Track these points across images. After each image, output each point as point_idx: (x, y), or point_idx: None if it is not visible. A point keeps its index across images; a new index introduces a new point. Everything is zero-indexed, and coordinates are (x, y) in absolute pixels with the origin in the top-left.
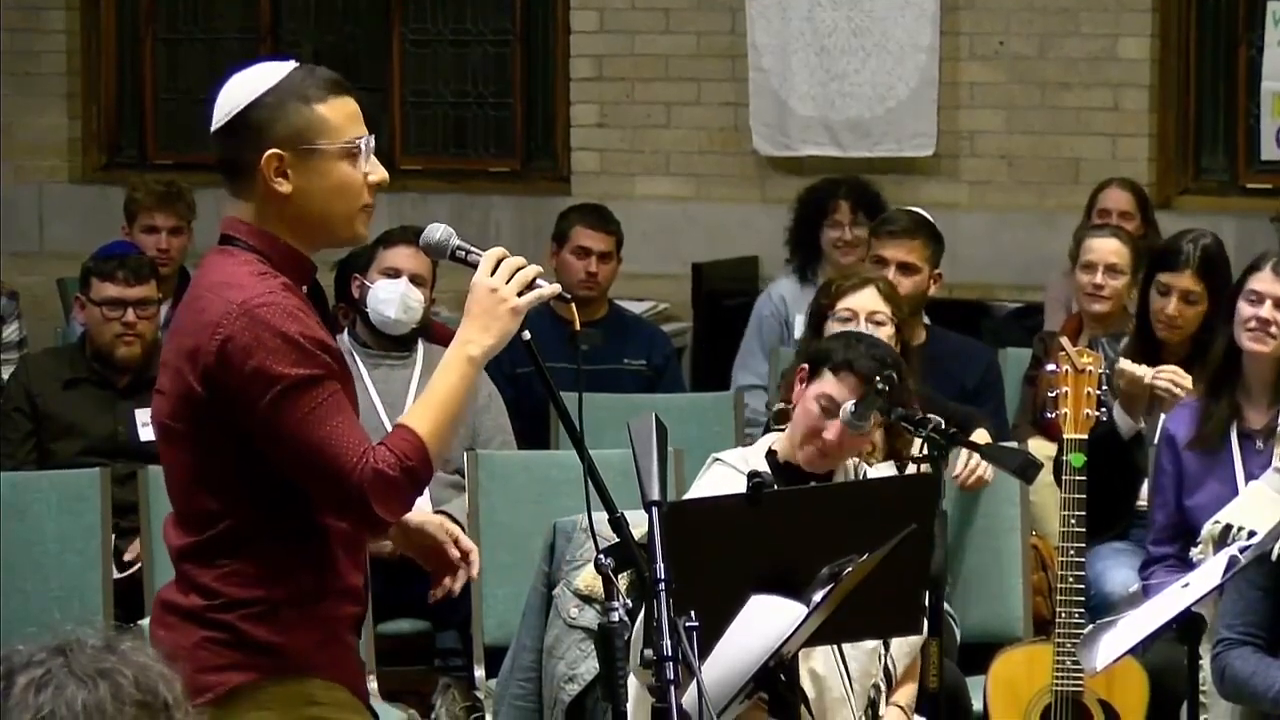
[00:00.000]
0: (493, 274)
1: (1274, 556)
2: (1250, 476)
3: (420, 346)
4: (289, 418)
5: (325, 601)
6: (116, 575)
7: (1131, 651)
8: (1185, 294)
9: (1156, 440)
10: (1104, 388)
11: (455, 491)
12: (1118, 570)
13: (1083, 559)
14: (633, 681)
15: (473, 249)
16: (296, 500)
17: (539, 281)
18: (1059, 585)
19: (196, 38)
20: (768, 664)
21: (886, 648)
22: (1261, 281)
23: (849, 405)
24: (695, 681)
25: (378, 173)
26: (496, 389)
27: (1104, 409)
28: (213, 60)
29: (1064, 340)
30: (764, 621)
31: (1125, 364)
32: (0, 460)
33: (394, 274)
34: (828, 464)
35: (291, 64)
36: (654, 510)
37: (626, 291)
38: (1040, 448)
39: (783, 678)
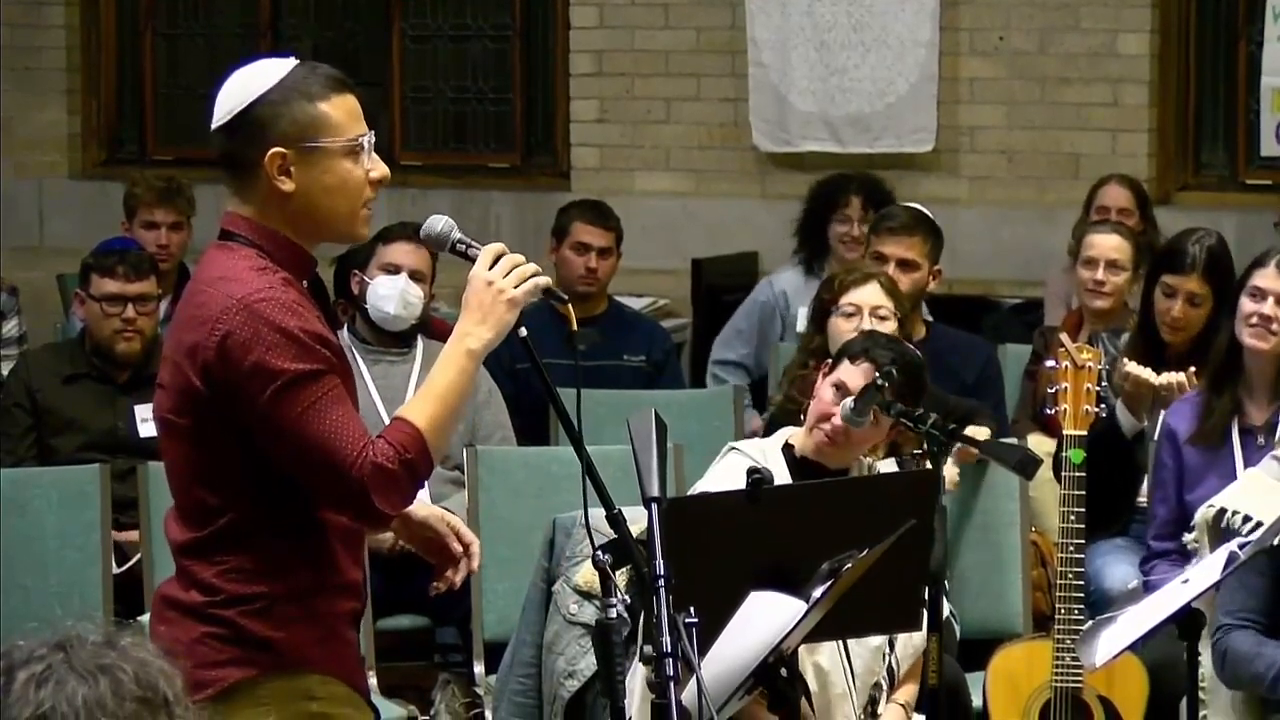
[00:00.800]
0: (490, 268)
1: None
2: None
3: (420, 342)
4: (288, 412)
5: (324, 597)
6: (116, 571)
7: (1131, 647)
8: (1190, 296)
9: (1157, 435)
10: (1104, 384)
11: (455, 487)
12: (1117, 566)
13: (1082, 555)
14: (635, 679)
15: (472, 243)
16: (296, 495)
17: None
18: (1058, 581)
19: (196, 33)
20: (767, 660)
21: (891, 647)
22: (1265, 278)
23: (848, 401)
24: (695, 678)
25: (379, 170)
26: (496, 385)
27: (1104, 405)
28: (213, 56)
29: (1064, 336)
30: (764, 617)
31: (1132, 367)
32: (0, 456)
33: (393, 270)
34: (839, 457)
35: (293, 61)
36: (653, 506)
37: (626, 287)
38: (1040, 443)
39: (783, 673)
